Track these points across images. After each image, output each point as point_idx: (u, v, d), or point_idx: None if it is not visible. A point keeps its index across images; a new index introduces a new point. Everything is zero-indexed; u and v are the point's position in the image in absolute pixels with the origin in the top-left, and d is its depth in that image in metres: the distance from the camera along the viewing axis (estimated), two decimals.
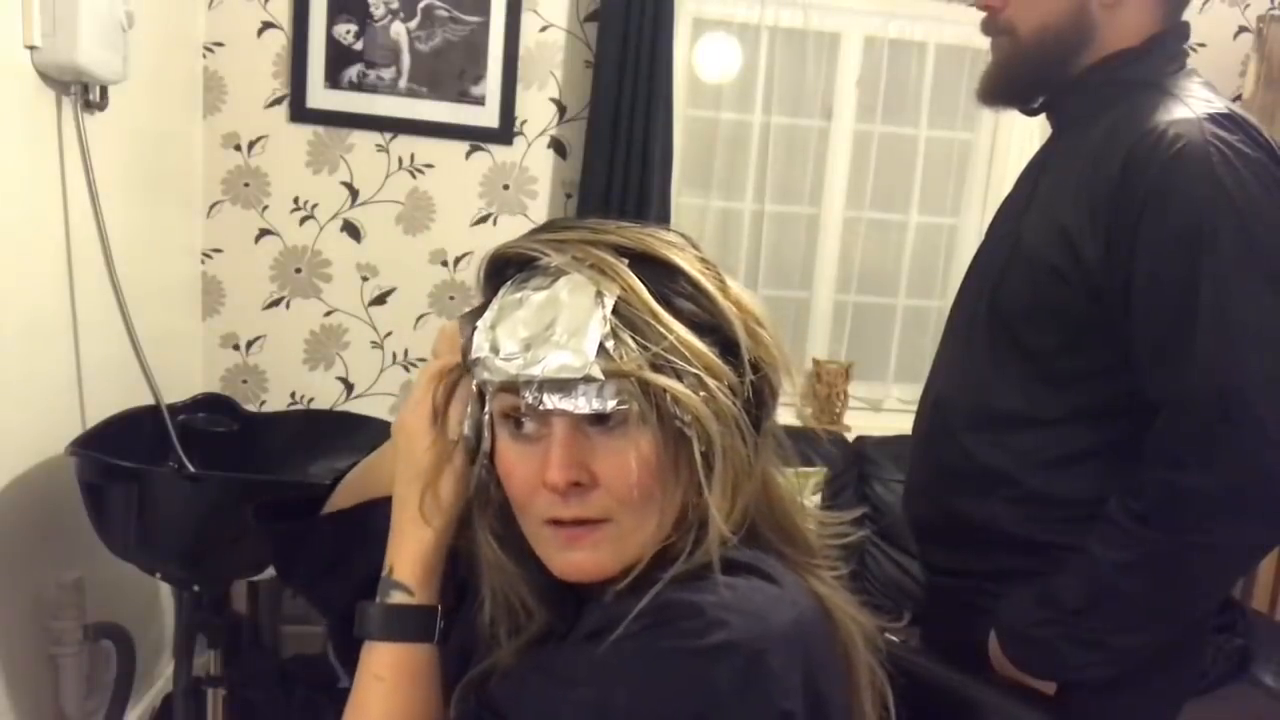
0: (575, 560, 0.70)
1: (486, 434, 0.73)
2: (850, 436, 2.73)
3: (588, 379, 0.65)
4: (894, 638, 0.94)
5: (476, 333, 0.70)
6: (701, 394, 0.66)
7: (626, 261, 0.68)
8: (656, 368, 0.65)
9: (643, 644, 0.64)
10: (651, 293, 0.67)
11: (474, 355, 0.70)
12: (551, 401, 0.66)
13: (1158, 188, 1.01)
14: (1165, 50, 1.14)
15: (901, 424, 2.73)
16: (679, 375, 0.66)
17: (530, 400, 0.67)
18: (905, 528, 2.43)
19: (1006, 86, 1.22)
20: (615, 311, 0.66)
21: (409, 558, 0.74)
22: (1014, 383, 1.16)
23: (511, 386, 0.68)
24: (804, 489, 2.45)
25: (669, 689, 0.63)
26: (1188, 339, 1.00)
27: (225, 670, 1.74)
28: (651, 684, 0.63)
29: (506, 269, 0.72)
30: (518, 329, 0.68)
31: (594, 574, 0.70)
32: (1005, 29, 1.17)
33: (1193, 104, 1.05)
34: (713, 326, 0.69)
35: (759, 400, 0.71)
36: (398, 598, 0.73)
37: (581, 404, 0.66)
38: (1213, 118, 1.03)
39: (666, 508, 0.69)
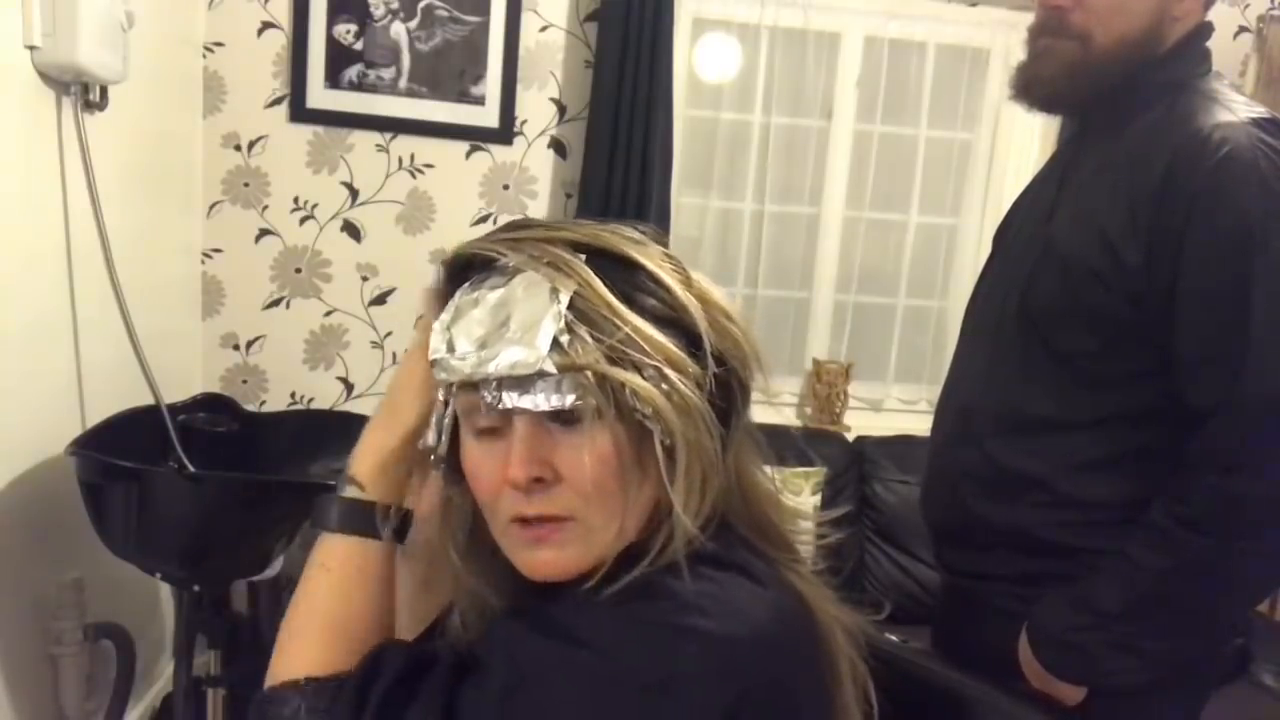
0: (542, 558, 0.68)
1: (446, 438, 0.72)
2: (850, 436, 2.72)
3: (542, 374, 0.64)
4: (893, 637, 0.94)
5: (434, 333, 0.70)
6: (662, 387, 0.64)
7: (584, 257, 0.67)
8: (613, 361, 0.64)
9: (616, 611, 0.64)
10: (609, 287, 0.66)
11: (431, 356, 0.69)
12: (511, 400, 0.65)
13: (1205, 191, 1.00)
14: (1195, 51, 1.13)
15: (901, 424, 2.74)
16: (638, 368, 0.64)
17: (490, 399, 0.66)
18: (904, 527, 2.48)
19: (1067, 94, 1.16)
20: (571, 306, 0.65)
21: (365, 457, 0.76)
22: (1046, 386, 1.14)
23: (472, 386, 0.67)
24: (803, 489, 2.45)
25: (631, 654, 0.62)
26: (1239, 342, 0.99)
27: (225, 670, 1.74)
28: (616, 647, 0.63)
29: (467, 270, 0.71)
30: (473, 328, 0.67)
31: (561, 572, 0.68)
32: (1076, 34, 1.11)
33: (1234, 108, 1.05)
34: (674, 320, 0.67)
35: (726, 394, 0.70)
36: (350, 492, 0.75)
37: (540, 401, 0.65)
38: (1257, 122, 1.02)
39: (633, 504, 0.67)
